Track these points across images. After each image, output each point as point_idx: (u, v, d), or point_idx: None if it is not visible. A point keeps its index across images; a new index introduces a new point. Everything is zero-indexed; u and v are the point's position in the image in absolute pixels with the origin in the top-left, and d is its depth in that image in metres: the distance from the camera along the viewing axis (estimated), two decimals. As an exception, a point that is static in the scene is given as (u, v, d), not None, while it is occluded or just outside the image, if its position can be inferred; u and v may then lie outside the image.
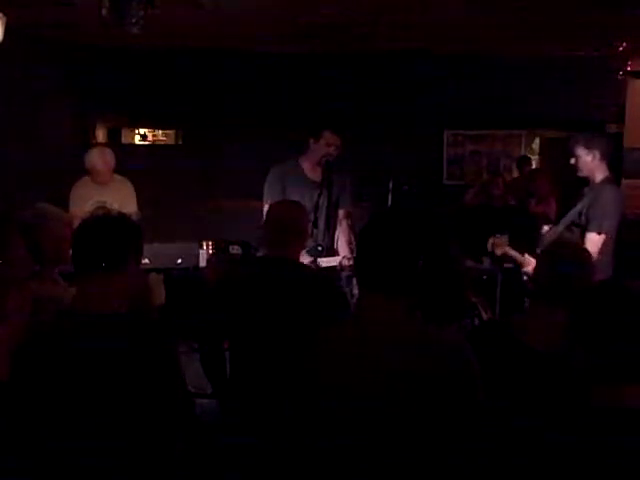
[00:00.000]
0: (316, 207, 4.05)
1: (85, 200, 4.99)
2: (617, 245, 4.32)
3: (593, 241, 4.01)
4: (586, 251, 2.48)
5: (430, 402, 1.79)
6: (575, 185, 5.09)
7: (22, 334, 1.79)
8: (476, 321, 2.77)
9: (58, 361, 1.87)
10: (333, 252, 4.30)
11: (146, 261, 4.41)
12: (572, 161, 4.20)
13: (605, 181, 4.21)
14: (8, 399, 1.35)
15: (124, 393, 1.86)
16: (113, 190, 5.16)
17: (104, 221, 2.05)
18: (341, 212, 4.43)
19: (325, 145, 4.23)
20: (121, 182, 5.35)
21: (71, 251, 2.01)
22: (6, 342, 1.40)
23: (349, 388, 1.85)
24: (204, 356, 2.91)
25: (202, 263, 4.70)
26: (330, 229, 4.32)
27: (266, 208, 4.25)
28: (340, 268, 4.09)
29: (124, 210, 4.75)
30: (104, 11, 3.79)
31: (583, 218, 4.13)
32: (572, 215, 4.22)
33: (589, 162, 4.16)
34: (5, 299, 1.37)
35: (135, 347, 1.90)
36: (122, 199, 5.03)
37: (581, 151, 4.17)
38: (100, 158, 5.17)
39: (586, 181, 4.29)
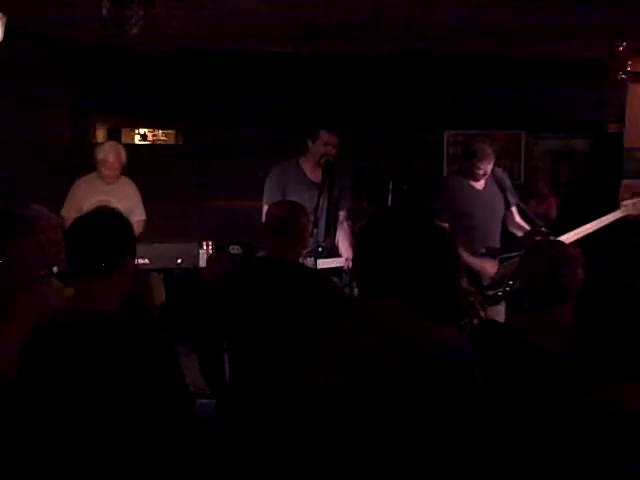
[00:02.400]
0: (316, 207, 4.05)
1: (86, 199, 4.97)
2: (617, 244, 4.42)
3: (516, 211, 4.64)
4: (569, 247, 2.47)
5: (430, 401, 1.79)
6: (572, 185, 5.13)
7: (29, 332, 1.78)
8: (475, 321, 2.77)
9: (56, 362, 1.87)
10: (334, 253, 4.31)
11: (146, 261, 4.42)
12: (486, 171, 4.49)
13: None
14: (15, 397, 1.35)
15: (123, 392, 1.86)
16: (116, 191, 5.13)
17: (98, 220, 2.02)
18: (342, 213, 4.43)
19: (322, 145, 4.24)
20: (126, 184, 5.31)
21: (64, 251, 1.99)
22: (16, 340, 1.40)
23: (348, 387, 1.85)
24: (202, 358, 2.91)
25: (202, 263, 4.70)
26: (330, 230, 4.33)
27: (266, 208, 4.26)
28: (345, 270, 4.09)
29: (127, 212, 4.74)
30: (104, 11, 3.79)
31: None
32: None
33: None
34: (15, 298, 1.37)
35: (133, 346, 1.90)
36: (126, 203, 4.89)
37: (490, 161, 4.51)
38: (112, 150, 5.19)
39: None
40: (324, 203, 4.21)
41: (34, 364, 1.90)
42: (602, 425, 1.58)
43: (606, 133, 7.67)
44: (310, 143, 4.28)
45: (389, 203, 5.90)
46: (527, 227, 4.58)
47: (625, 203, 4.48)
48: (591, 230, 4.36)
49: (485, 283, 4.31)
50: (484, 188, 4.55)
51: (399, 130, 7.58)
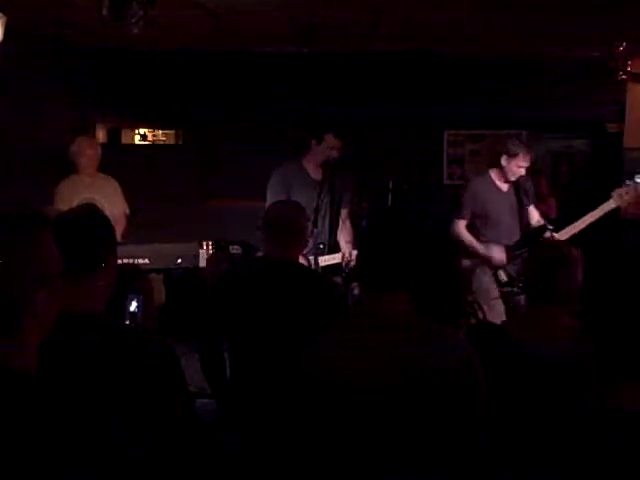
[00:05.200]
0: (316, 207, 4.05)
1: (71, 198, 5.00)
2: (615, 246, 4.45)
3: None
4: (568, 249, 2.48)
5: (432, 395, 1.80)
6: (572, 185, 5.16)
7: (49, 329, 1.76)
8: (472, 320, 2.77)
9: (53, 365, 1.85)
10: (336, 250, 4.31)
11: (146, 261, 4.41)
12: (515, 172, 4.72)
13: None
14: (37, 395, 1.36)
15: (123, 393, 1.85)
16: (100, 187, 5.25)
17: (79, 220, 1.97)
18: (344, 211, 4.44)
19: (327, 148, 4.23)
20: (106, 180, 5.46)
21: None
22: (36, 338, 1.41)
23: (351, 383, 1.85)
24: (203, 357, 2.91)
25: (202, 263, 4.69)
26: (333, 228, 4.33)
27: (266, 209, 4.26)
28: (344, 265, 4.09)
29: (113, 207, 4.82)
30: (104, 11, 3.79)
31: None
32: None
33: None
34: (36, 294, 1.37)
35: (129, 347, 1.88)
36: (109, 196, 5.12)
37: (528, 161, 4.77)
38: (86, 142, 5.41)
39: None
40: (327, 202, 4.22)
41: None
42: (602, 425, 1.57)
43: (606, 133, 7.67)
44: (314, 143, 4.27)
45: (389, 203, 5.91)
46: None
47: (615, 194, 4.52)
48: (588, 223, 4.50)
49: (501, 279, 4.38)
50: (507, 190, 4.84)
51: (399, 130, 7.58)
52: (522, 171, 4.74)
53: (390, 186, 5.97)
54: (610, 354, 1.61)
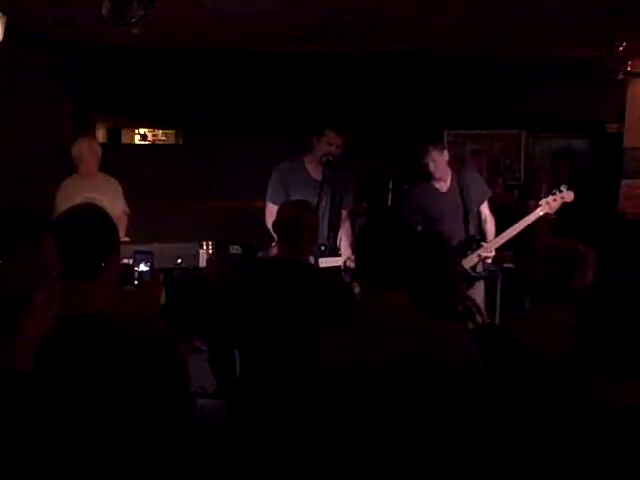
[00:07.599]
0: (316, 207, 4.05)
1: (72, 198, 5.00)
2: (615, 245, 4.44)
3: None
4: (583, 249, 2.48)
5: (435, 392, 1.80)
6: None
7: (47, 329, 1.76)
8: (470, 325, 2.75)
9: (57, 367, 1.85)
10: (336, 252, 4.30)
11: (146, 261, 4.42)
12: (431, 167, 4.61)
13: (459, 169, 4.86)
14: (33, 393, 1.36)
15: (126, 393, 1.85)
16: (101, 187, 5.27)
17: (78, 222, 1.93)
18: (344, 212, 4.43)
19: (327, 144, 4.23)
20: (107, 180, 5.48)
21: None
22: (34, 338, 1.41)
23: (353, 382, 1.85)
24: (213, 357, 2.90)
25: (202, 263, 4.70)
26: (333, 229, 4.32)
27: (268, 208, 4.26)
28: (343, 269, 4.08)
29: (114, 206, 4.83)
30: (104, 11, 3.79)
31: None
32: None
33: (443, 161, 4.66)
34: (34, 295, 1.38)
35: (133, 347, 1.88)
36: (110, 196, 5.14)
37: (436, 155, 4.62)
38: (86, 144, 5.38)
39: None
40: (326, 202, 4.21)
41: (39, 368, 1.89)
42: (603, 424, 1.58)
43: (606, 133, 7.68)
44: (315, 140, 4.27)
45: (389, 203, 5.90)
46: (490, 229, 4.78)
47: (543, 202, 4.56)
48: (517, 231, 4.52)
49: None
50: (448, 190, 4.73)
51: (399, 130, 7.58)
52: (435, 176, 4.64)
53: (390, 186, 5.96)
54: (610, 354, 1.61)
